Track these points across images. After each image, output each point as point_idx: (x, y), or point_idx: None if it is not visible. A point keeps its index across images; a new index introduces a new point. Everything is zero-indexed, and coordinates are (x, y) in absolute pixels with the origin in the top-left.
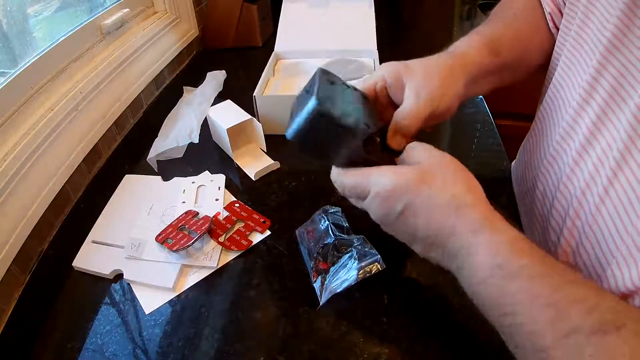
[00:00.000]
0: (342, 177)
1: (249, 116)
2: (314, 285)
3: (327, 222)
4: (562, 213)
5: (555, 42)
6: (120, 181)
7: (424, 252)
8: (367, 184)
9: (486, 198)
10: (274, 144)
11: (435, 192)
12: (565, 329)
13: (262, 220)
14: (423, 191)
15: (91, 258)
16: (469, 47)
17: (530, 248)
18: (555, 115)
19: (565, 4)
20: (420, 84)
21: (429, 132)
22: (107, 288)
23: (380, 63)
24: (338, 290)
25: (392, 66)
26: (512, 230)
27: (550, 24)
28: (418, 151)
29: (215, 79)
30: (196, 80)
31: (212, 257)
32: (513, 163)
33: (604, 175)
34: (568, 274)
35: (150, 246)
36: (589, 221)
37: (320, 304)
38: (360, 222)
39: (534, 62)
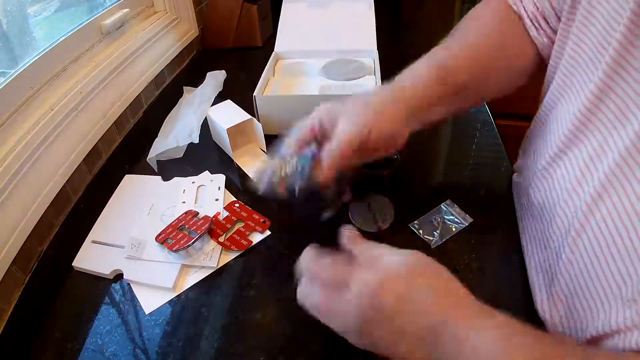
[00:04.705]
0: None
1: (249, 116)
2: None
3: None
4: (562, 232)
5: (538, 48)
6: (120, 181)
7: (405, 355)
8: (349, 276)
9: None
10: (274, 144)
11: (418, 287)
12: None
13: (262, 220)
14: (404, 287)
15: (91, 258)
16: (414, 77)
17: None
18: (554, 127)
19: (556, 13)
20: (349, 115)
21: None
22: (107, 288)
23: (380, 63)
24: None
25: (328, 106)
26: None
27: (534, 33)
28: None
29: (215, 79)
30: (196, 80)
31: (212, 257)
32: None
33: (608, 198)
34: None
35: (150, 246)
36: (585, 245)
37: None
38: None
39: (509, 79)
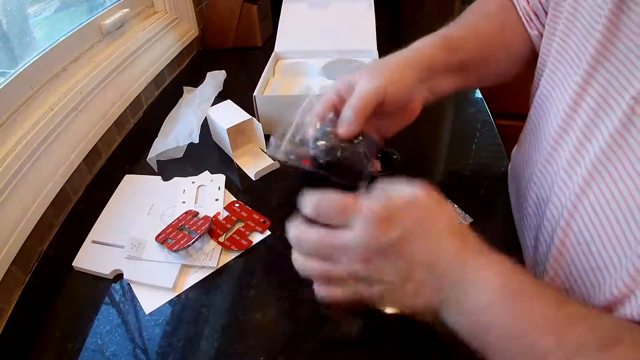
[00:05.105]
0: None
1: (249, 116)
2: None
3: None
4: (553, 223)
5: (534, 43)
6: (120, 181)
7: (412, 294)
8: (353, 207)
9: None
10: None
11: (430, 215)
12: (573, 345)
13: (262, 220)
14: (417, 214)
15: (91, 258)
16: (422, 45)
17: (524, 270)
18: (545, 123)
19: (544, 9)
20: (367, 75)
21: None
22: (107, 288)
23: None
24: None
25: (345, 77)
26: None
27: (527, 26)
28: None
29: (215, 79)
30: (196, 80)
31: (212, 257)
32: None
33: (595, 186)
34: (561, 295)
35: (150, 246)
36: (576, 235)
37: None
38: None
39: (508, 63)
